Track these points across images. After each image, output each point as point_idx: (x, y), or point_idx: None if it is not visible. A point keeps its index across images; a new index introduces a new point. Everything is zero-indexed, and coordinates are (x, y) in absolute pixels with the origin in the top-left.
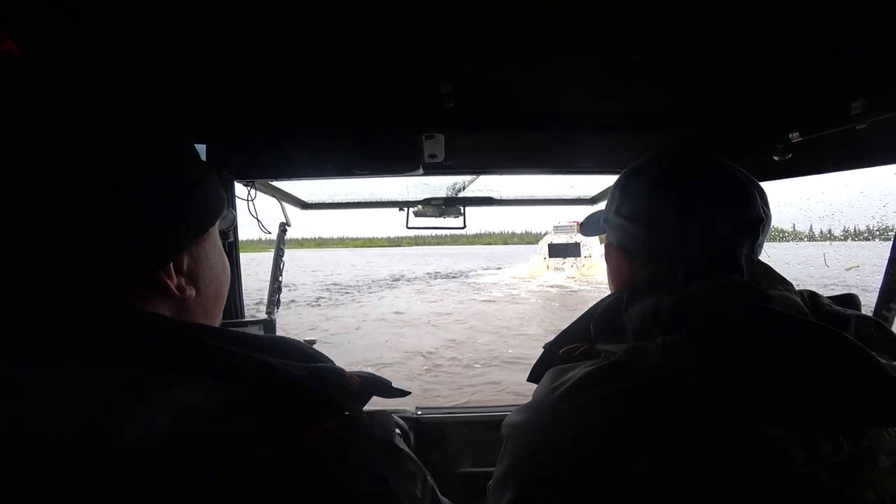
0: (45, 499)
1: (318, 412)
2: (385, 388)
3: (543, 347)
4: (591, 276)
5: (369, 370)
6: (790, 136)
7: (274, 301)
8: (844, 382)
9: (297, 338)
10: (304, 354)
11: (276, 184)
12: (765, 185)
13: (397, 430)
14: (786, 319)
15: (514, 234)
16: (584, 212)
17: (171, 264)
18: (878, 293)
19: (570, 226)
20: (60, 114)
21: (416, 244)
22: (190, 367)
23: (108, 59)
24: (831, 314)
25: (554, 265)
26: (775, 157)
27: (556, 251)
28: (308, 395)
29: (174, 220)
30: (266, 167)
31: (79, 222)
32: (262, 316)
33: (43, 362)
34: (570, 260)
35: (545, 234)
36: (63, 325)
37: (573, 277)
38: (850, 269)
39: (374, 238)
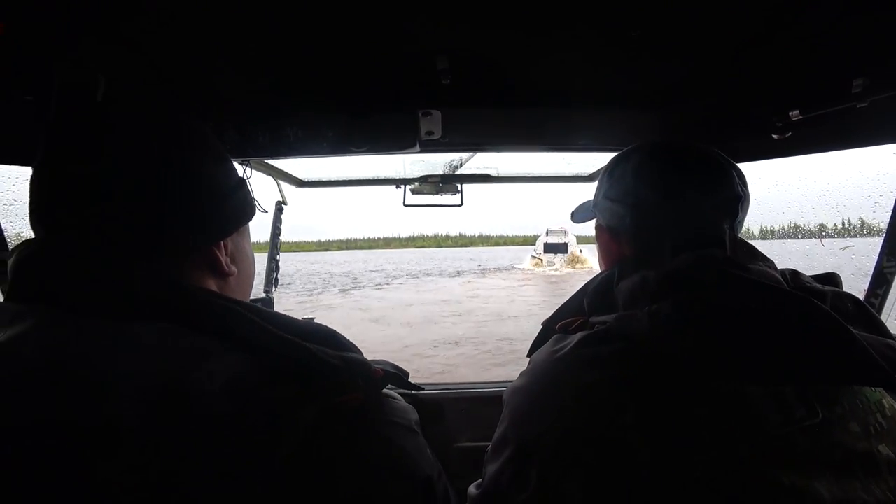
0: (138, 426)
1: (345, 389)
2: (402, 381)
3: (542, 324)
4: (573, 264)
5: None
6: (790, 114)
7: (272, 280)
8: (812, 342)
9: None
10: (337, 342)
11: (271, 162)
12: (763, 163)
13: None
14: (762, 288)
15: (447, 237)
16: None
17: (222, 244)
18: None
19: (561, 230)
20: (175, 144)
21: (347, 248)
22: (243, 341)
23: (92, 37)
24: (809, 289)
25: (547, 259)
26: (774, 136)
27: (549, 248)
28: (339, 376)
29: (229, 205)
30: (261, 145)
31: (171, 202)
32: (261, 294)
33: (137, 323)
34: (558, 256)
35: (488, 235)
36: (150, 296)
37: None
38: (846, 248)
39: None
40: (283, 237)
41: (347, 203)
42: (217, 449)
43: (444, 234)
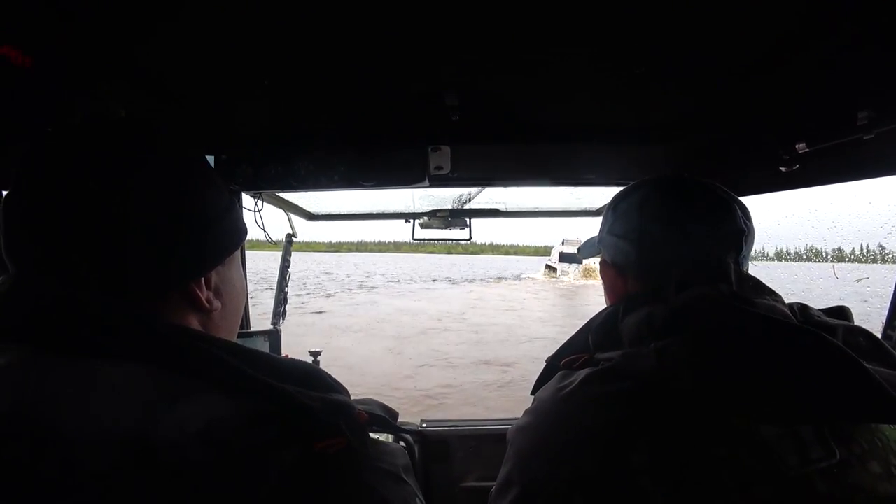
0: (102, 479)
1: (327, 433)
2: (388, 425)
3: (546, 361)
4: (587, 276)
5: (378, 399)
6: (797, 146)
7: (279, 312)
8: (828, 380)
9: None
10: (320, 382)
11: (282, 195)
12: (773, 196)
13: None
14: (771, 323)
15: (458, 245)
16: (587, 223)
17: (202, 280)
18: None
19: (577, 241)
20: (150, 173)
21: (357, 250)
22: (219, 382)
23: (114, 72)
24: (819, 324)
25: (561, 269)
26: (782, 168)
27: (565, 258)
28: (319, 419)
29: (207, 240)
30: (273, 179)
31: (138, 240)
32: (268, 326)
33: (108, 364)
34: (572, 266)
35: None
36: (122, 333)
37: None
38: (860, 280)
39: None
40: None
41: None
42: (186, 501)
43: (373, 240)
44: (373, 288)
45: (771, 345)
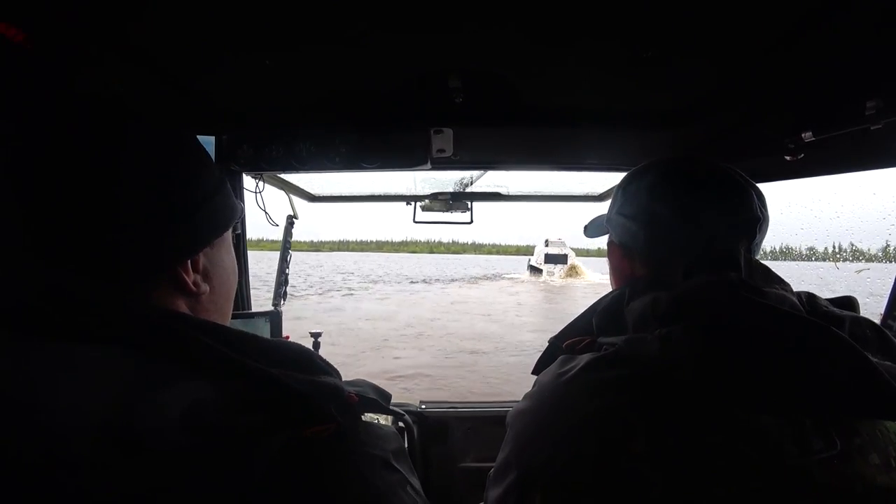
0: (82, 465)
1: (316, 418)
2: (380, 407)
3: (549, 342)
4: (571, 275)
5: (369, 380)
6: (803, 135)
7: (280, 293)
8: (832, 374)
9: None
10: (309, 364)
11: (284, 176)
12: (776, 185)
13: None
14: (778, 314)
15: (440, 244)
16: (574, 223)
17: (189, 263)
18: (886, 301)
19: (560, 241)
20: (131, 154)
21: (339, 249)
22: (203, 367)
23: (114, 52)
24: (826, 314)
25: (547, 269)
26: (787, 157)
27: (550, 259)
28: (308, 404)
29: (193, 223)
30: (274, 160)
31: (121, 224)
32: (269, 307)
33: (88, 347)
34: (557, 267)
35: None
36: (104, 316)
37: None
38: (861, 271)
39: None
40: (275, 237)
41: (342, 205)
42: (169, 487)
43: (436, 241)
44: (350, 291)
45: (777, 336)
